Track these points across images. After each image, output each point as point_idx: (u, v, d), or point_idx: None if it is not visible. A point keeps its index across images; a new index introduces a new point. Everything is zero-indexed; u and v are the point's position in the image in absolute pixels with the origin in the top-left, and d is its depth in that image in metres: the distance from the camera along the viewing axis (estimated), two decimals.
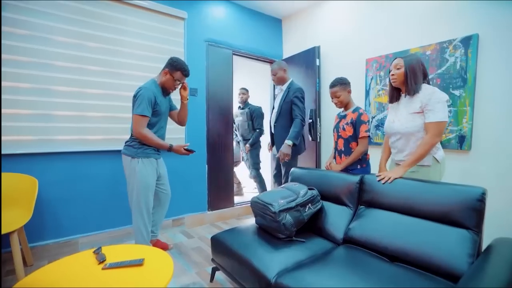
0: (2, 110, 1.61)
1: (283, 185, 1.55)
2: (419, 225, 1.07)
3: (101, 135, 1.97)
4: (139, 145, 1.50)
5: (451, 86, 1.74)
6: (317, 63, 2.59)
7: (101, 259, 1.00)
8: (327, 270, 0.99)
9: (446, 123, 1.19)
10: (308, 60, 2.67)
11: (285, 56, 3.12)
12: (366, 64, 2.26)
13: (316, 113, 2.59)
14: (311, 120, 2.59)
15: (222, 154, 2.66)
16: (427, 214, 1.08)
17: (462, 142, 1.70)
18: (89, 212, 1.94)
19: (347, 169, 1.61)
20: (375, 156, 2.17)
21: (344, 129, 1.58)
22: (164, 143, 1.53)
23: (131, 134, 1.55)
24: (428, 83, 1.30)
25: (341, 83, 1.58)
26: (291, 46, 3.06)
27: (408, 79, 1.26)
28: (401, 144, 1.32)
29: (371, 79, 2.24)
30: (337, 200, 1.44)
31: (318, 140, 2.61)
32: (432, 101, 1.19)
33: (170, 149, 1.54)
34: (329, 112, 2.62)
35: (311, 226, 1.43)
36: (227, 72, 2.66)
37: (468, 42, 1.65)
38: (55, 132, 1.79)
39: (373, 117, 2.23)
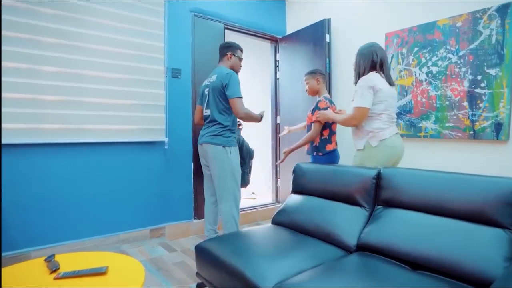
0: None
1: None
2: (446, 225, 1.09)
3: (58, 124, 1.95)
4: (229, 133, 1.89)
5: (485, 64, 1.76)
6: (327, 39, 2.61)
7: (54, 268, 1.00)
8: (336, 281, 1.00)
9: (363, 109, 1.54)
10: (316, 35, 2.68)
11: (289, 31, 3.14)
12: (385, 40, 2.28)
13: None
14: None
15: None
16: (455, 212, 1.10)
17: (498, 130, 1.72)
18: (44, 220, 1.93)
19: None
20: None
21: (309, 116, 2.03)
22: (257, 115, 1.96)
23: (215, 123, 1.88)
24: (381, 71, 1.61)
25: (310, 73, 2.06)
26: (296, 20, 3.08)
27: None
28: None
29: (392, 57, 2.26)
30: (349, 200, 1.46)
31: None
32: (355, 88, 1.59)
33: (261, 119, 2.01)
34: (342, 99, 2.64)
35: (318, 231, 1.44)
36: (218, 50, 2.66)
37: (505, 11, 1.68)
38: None
39: None
